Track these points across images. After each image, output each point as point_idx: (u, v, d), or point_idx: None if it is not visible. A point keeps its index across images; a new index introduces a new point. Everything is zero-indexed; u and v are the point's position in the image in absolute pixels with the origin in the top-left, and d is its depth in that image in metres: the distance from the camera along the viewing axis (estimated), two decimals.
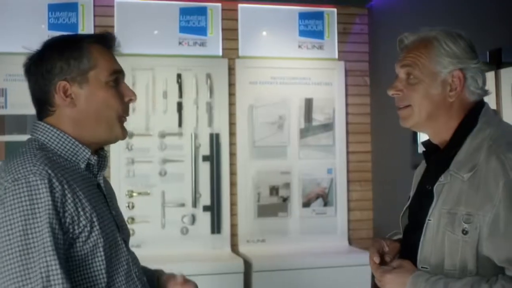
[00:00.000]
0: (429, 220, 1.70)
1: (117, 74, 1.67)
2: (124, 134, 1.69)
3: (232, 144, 4.21)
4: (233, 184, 4.20)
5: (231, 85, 4.23)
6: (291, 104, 4.31)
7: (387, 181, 4.22)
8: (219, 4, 4.26)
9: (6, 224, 1.38)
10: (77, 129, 1.60)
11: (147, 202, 4.04)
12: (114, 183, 4.00)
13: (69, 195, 1.46)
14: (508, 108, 2.92)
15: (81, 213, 1.48)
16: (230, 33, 4.28)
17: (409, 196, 1.93)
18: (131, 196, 4.02)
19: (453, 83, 1.71)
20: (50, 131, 1.58)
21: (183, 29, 4.21)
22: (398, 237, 1.96)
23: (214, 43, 4.25)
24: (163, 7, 4.18)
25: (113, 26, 4.08)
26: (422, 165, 1.93)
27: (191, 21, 4.22)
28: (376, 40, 4.40)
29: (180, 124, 4.12)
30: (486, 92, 1.78)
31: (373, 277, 1.87)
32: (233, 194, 4.20)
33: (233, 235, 4.19)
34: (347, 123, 4.42)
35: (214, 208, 4.13)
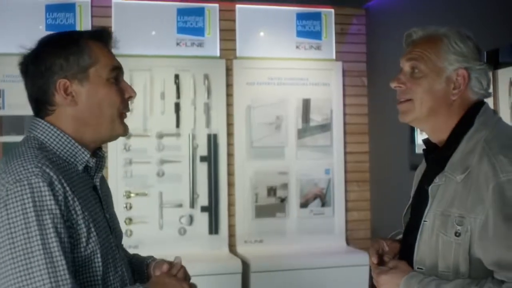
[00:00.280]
0: (424, 221, 1.70)
1: (117, 71, 1.64)
2: (125, 130, 1.66)
3: (229, 144, 4.21)
4: (230, 184, 4.20)
5: (229, 85, 4.23)
6: (289, 105, 4.31)
7: (384, 181, 4.22)
8: (217, 5, 4.26)
9: (9, 227, 1.35)
10: (78, 128, 1.57)
11: (144, 202, 4.04)
12: (112, 183, 3.99)
13: (69, 199, 1.44)
14: (505, 108, 2.93)
15: (80, 219, 1.47)
16: (227, 34, 4.29)
17: (411, 195, 1.94)
18: (128, 196, 4.01)
19: (457, 81, 1.71)
20: (50, 130, 1.54)
21: (180, 30, 4.21)
22: (399, 237, 1.96)
23: (212, 44, 4.25)
24: (161, 7, 4.18)
25: (110, 27, 4.07)
26: (423, 164, 1.93)
27: (189, 22, 4.22)
28: (373, 40, 4.41)
29: (177, 125, 4.12)
30: (489, 94, 1.78)
31: (371, 277, 1.88)
32: (230, 194, 4.20)
33: (231, 235, 4.19)
34: (344, 124, 4.43)
35: (212, 209, 4.13)
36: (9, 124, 3.87)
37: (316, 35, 4.42)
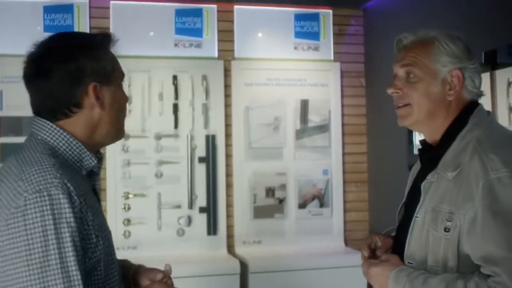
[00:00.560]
0: (416, 217, 1.74)
1: (124, 77, 1.69)
2: (124, 134, 1.71)
3: (228, 145, 4.21)
4: (229, 185, 4.20)
5: (227, 86, 4.24)
6: (287, 106, 4.32)
7: (383, 182, 4.23)
8: (215, 6, 4.26)
9: (27, 238, 1.34)
10: (90, 131, 1.58)
11: (143, 203, 4.04)
12: (110, 184, 4.01)
13: (83, 210, 1.44)
14: (503, 109, 2.93)
15: (91, 229, 1.47)
16: (225, 35, 4.29)
17: (405, 193, 1.97)
18: (127, 197, 4.01)
19: (452, 82, 1.74)
20: (60, 134, 1.53)
21: (178, 31, 4.21)
22: (393, 233, 2.00)
23: (210, 45, 4.25)
24: (159, 8, 4.18)
25: (108, 28, 4.08)
26: (418, 164, 1.96)
27: (187, 23, 4.22)
28: (371, 41, 4.41)
29: (176, 126, 4.12)
30: (481, 93, 1.82)
31: None
32: (229, 195, 4.20)
33: (229, 236, 4.19)
34: (343, 124, 4.43)
35: (210, 210, 4.13)
36: (7, 125, 3.87)
37: (314, 36, 4.43)
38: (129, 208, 4.02)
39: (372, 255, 1.90)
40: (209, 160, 4.15)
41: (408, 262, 1.75)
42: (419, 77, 1.75)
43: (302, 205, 4.32)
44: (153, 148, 4.09)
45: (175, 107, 4.13)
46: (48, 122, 1.54)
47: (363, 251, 1.91)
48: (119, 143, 3.98)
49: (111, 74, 1.59)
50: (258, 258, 3.93)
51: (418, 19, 3.71)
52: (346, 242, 4.36)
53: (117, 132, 1.65)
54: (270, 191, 4.28)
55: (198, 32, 4.23)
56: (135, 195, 4.03)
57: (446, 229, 1.65)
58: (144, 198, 4.05)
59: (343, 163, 4.42)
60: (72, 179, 1.45)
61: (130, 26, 4.12)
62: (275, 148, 4.31)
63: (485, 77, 3.06)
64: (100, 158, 1.67)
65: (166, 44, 4.19)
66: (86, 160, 1.57)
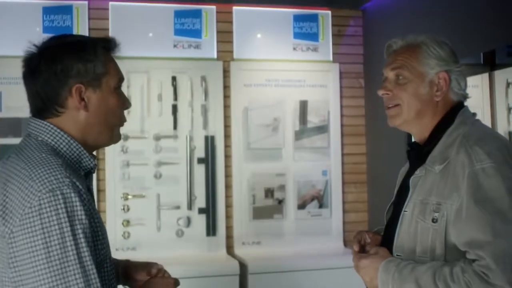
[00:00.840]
0: (405, 211, 1.83)
1: (122, 82, 1.70)
2: (119, 139, 1.73)
3: (227, 146, 4.21)
4: (228, 186, 4.21)
5: (226, 87, 4.24)
6: (286, 106, 4.32)
7: (382, 182, 4.22)
8: (214, 7, 4.26)
9: (45, 236, 1.37)
10: (83, 133, 1.60)
11: (142, 204, 4.04)
12: (109, 185, 4.02)
13: (90, 208, 1.49)
14: (502, 109, 2.94)
15: (98, 226, 1.52)
16: (224, 36, 4.29)
17: (393, 193, 2.06)
18: (126, 198, 4.01)
19: (439, 83, 1.85)
20: (60, 135, 1.56)
21: (177, 32, 4.21)
22: (382, 233, 2.06)
23: (209, 46, 4.25)
24: (158, 9, 4.18)
25: (107, 29, 4.08)
26: (406, 166, 2.05)
27: (186, 24, 4.22)
28: (370, 42, 4.42)
29: (175, 127, 4.12)
30: (467, 95, 1.93)
31: None
32: (228, 196, 4.20)
33: (229, 237, 4.19)
34: (342, 125, 4.43)
35: (209, 211, 4.13)
36: (6, 126, 3.87)
37: (313, 36, 4.43)
38: (128, 209, 4.02)
39: (362, 251, 1.99)
40: (208, 161, 4.15)
41: (397, 254, 1.82)
42: (408, 79, 1.86)
43: (301, 206, 4.32)
44: (152, 149, 4.09)
45: (174, 108, 4.13)
46: (46, 123, 1.57)
47: (353, 246, 2.00)
48: (118, 144, 3.98)
49: (101, 77, 1.60)
50: (257, 259, 3.93)
51: (417, 19, 3.72)
52: (345, 243, 4.36)
53: (110, 136, 1.67)
54: (269, 192, 4.28)
55: (197, 33, 4.23)
56: (134, 196, 4.03)
57: (434, 220, 1.73)
58: (143, 199, 4.05)
59: (342, 164, 4.42)
60: (77, 179, 1.49)
61: (129, 27, 4.12)
62: (274, 149, 4.31)
63: (484, 77, 3.07)
64: (94, 158, 1.69)
65: (165, 45, 4.19)
66: (85, 161, 1.60)
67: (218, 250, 4.12)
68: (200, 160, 4.14)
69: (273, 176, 4.29)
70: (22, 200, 1.40)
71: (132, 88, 4.04)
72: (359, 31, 4.51)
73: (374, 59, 4.31)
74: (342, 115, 4.44)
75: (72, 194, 1.41)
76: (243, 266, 3.83)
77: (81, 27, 4.04)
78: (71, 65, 1.56)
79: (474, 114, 1.91)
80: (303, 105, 4.34)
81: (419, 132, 1.91)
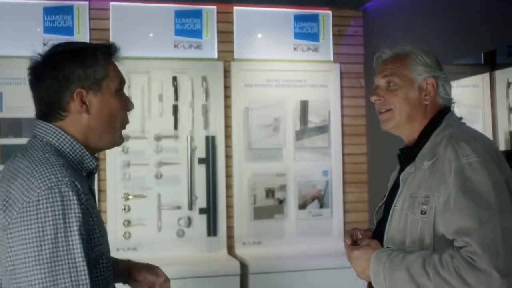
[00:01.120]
0: (395, 206, 1.95)
1: (123, 85, 1.77)
2: (122, 141, 1.80)
3: (227, 146, 4.22)
4: (229, 186, 4.21)
5: (227, 87, 4.24)
6: (287, 106, 4.32)
7: (382, 182, 4.21)
8: (214, 7, 4.27)
9: (39, 230, 1.44)
10: (85, 135, 1.67)
11: (143, 205, 4.04)
12: (110, 186, 4.02)
13: (88, 207, 1.55)
14: (503, 109, 2.94)
15: (95, 224, 1.58)
16: (225, 36, 4.29)
17: (385, 195, 2.15)
18: (127, 199, 4.01)
19: (427, 88, 1.98)
20: (64, 137, 1.64)
21: (178, 32, 4.21)
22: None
23: (210, 46, 4.25)
24: (159, 10, 4.18)
25: (108, 29, 4.08)
26: (397, 169, 2.15)
27: (187, 24, 4.22)
28: (371, 42, 4.42)
29: (175, 127, 4.12)
30: (452, 99, 2.05)
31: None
32: (229, 196, 4.20)
33: (229, 237, 4.19)
34: (342, 125, 4.43)
35: (210, 211, 4.13)
36: (7, 126, 3.87)
37: (314, 37, 4.43)
38: (129, 209, 4.02)
39: (354, 245, 2.07)
40: (209, 161, 4.15)
41: (387, 246, 1.92)
42: (399, 85, 1.99)
43: (302, 206, 4.32)
44: (153, 149, 4.09)
45: (175, 108, 4.13)
46: (49, 124, 1.65)
47: (345, 239, 2.11)
48: None
49: (101, 81, 1.67)
50: (258, 259, 3.93)
51: (418, 19, 3.72)
52: None
53: (112, 138, 1.74)
54: (270, 192, 4.28)
55: (197, 33, 4.24)
56: (135, 196, 4.04)
57: (423, 212, 1.84)
58: (144, 199, 4.06)
59: (343, 163, 4.43)
60: (78, 179, 1.56)
61: (129, 27, 4.12)
62: (275, 149, 4.31)
63: (485, 77, 3.07)
64: (96, 159, 1.75)
65: (166, 45, 4.19)
66: (87, 162, 1.67)
67: (218, 250, 4.12)
68: (200, 160, 4.15)
69: (274, 176, 4.29)
70: (22, 195, 1.47)
71: (132, 88, 4.04)
72: (360, 31, 4.51)
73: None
74: (342, 115, 4.44)
75: (70, 193, 1.48)
76: (244, 266, 3.84)
77: (81, 28, 4.05)
78: (72, 71, 1.63)
79: (461, 118, 2.03)
80: (304, 105, 4.35)
81: (409, 135, 2.03)
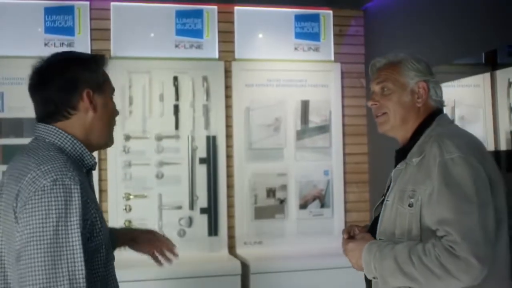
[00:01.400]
0: (387, 201, 2.08)
1: (114, 92, 1.97)
2: (113, 142, 1.98)
3: (228, 146, 4.22)
4: (230, 186, 4.21)
5: (228, 87, 4.24)
6: (288, 106, 4.32)
7: (383, 182, 4.21)
8: (215, 7, 4.27)
9: (42, 217, 1.58)
10: (87, 133, 1.83)
11: (144, 204, 4.04)
12: (111, 186, 4.02)
13: (88, 200, 1.69)
14: (504, 109, 2.94)
15: (95, 215, 1.72)
16: (226, 36, 4.29)
17: (384, 193, 2.24)
18: (128, 199, 4.02)
19: (419, 92, 2.13)
20: (65, 136, 1.79)
21: (179, 32, 4.21)
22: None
23: (211, 46, 4.25)
24: (159, 10, 4.19)
25: (109, 29, 4.09)
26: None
27: (187, 24, 4.22)
28: (371, 41, 4.42)
29: (176, 127, 4.13)
30: (443, 102, 2.19)
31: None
32: (230, 196, 4.20)
33: (230, 237, 4.19)
34: (343, 125, 4.43)
35: (211, 211, 4.14)
36: (8, 126, 3.87)
37: (315, 36, 4.43)
38: (130, 209, 4.02)
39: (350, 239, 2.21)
40: (210, 161, 4.15)
41: (379, 239, 2.06)
42: (392, 89, 2.14)
43: (303, 206, 4.32)
44: (154, 149, 4.09)
45: (176, 108, 4.13)
46: (52, 126, 1.80)
47: (343, 234, 2.23)
48: (120, 144, 3.99)
49: (102, 85, 1.87)
50: (259, 259, 3.93)
51: (418, 19, 3.72)
52: None
53: (108, 138, 1.92)
54: (271, 192, 4.28)
55: (198, 33, 4.24)
56: (136, 196, 4.04)
57: (410, 205, 1.97)
58: (145, 199, 4.06)
59: (344, 163, 4.43)
60: (79, 174, 1.70)
61: (130, 27, 4.12)
62: (276, 149, 4.31)
63: (486, 77, 3.07)
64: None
65: (167, 45, 4.19)
66: (87, 159, 1.83)
67: (220, 250, 4.12)
68: (201, 160, 4.15)
69: (275, 176, 4.29)
70: (29, 186, 1.62)
71: (133, 88, 4.04)
72: (360, 31, 4.51)
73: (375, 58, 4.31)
74: (343, 115, 4.44)
75: (72, 186, 1.62)
76: (245, 266, 3.84)
77: (82, 28, 4.05)
78: (80, 73, 1.81)
79: (453, 120, 2.21)
80: (305, 105, 4.35)
81: (403, 136, 2.17)
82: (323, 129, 4.38)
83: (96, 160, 1.90)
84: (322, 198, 4.36)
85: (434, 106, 2.15)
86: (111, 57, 4.01)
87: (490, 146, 3.03)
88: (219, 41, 4.27)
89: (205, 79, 4.18)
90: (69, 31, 4.03)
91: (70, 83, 1.80)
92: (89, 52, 4.00)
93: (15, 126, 3.86)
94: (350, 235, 2.21)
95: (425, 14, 3.65)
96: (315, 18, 4.44)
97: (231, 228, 4.20)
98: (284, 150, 4.33)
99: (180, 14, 4.22)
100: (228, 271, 3.78)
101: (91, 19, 4.08)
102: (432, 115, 2.13)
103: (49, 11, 4.02)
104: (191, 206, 4.10)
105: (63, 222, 1.58)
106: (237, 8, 4.31)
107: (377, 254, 1.96)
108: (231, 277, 3.75)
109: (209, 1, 4.22)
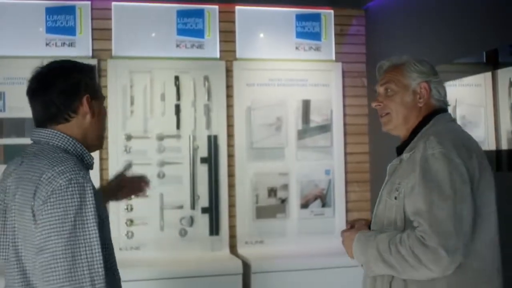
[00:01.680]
0: (381, 194, 2.20)
1: (104, 99, 2.09)
2: (102, 146, 2.11)
3: (230, 146, 4.22)
4: (231, 185, 4.21)
5: (229, 87, 4.24)
6: (289, 106, 4.32)
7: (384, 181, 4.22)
8: (216, 7, 4.27)
9: (62, 214, 1.71)
10: (85, 135, 1.95)
11: (145, 204, 4.03)
12: None
13: (97, 196, 1.82)
14: (505, 108, 2.94)
15: (101, 209, 1.87)
16: (227, 35, 4.29)
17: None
18: (129, 198, 4.01)
19: (421, 92, 2.21)
20: (66, 139, 1.91)
21: (180, 32, 4.21)
22: None
23: (212, 46, 4.26)
24: (161, 9, 4.19)
25: (110, 29, 4.09)
26: None
27: (189, 24, 4.23)
28: (373, 41, 4.42)
29: (178, 126, 4.13)
30: (447, 102, 2.27)
31: None
32: (231, 195, 4.21)
33: (232, 236, 4.19)
34: (344, 124, 4.43)
35: (212, 210, 4.14)
36: (10, 126, 3.87)
37: (316, 36, 4.43)
38: (131, 209, 4.02)
39: None
40: (211, 160, 4.15)
41: (373, 229, 2.19)
42: (395, 90, 2.23)
43: (304, 205, 4.32)
44: (155, 149, 4.10)
45: (177, 108, 4.13)
46: (53, 130, 1.90)
47: (346, 225, 2.40)
48: (121, 144, 4.00)
49: (97, 92, 2.01)
50: (260, 258, 3.93)
51: (419, 19, 3.72)
52: None
53: (101, 140, 2.06)
54: (272, 191, 4.28)
55: (199, 33, 4.24)
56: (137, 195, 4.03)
57: (396, 197, 2.08)
58: (147, 198, 4.03)
59: (345, 163, 4.43)
60: (86, 173, 1.85)
61: (132, 27, 4.12)
62: (277, 148, 4.31)
63: (487, 76, 3.07)
64: None
65: (168, 45, 4.20)
66: (87, 158, 1.95)
67: (221, 250, 4.12)
68: (203, 160, 4.15)
69: (276, 175, 4.30)
70: (47, 186, 1.74)
71: (135, 88, 4.04)
72: (362, 30, 4.51)
73: (376, 58, 4.29)
74: (344, 114, 4.44)
75: (85, 184, 1.76)
76: (246, 266, 3.84)
77: (84, 28, 4.05)
78: (80, 79, 1.93)
79: (454, 119, 2.26)
80: (306, 105, 4.35)
81: (404, 134, 2.25)
82: (324, 128, 4.38)
83: (97, 159, 1.96)
84: (323, 197, 4.36)
85: (436, 106, 2.22)
86: (112, 57, 4.02)
87: (491, 146, 3.03)
88: (220, 41, 4.27)
89: (206, 78, 4.18)
90: (71, 31, 4.03)
91: (72, 88, 1.91)
92: (90, 52, 4.03)
93: (16, 126, 3.86)
94: (351, 226, 2.33)
95: (426, 13, 3.65)
96: (316, 17, 4.44)
97: (232, 227, 4.20)
98: (285, 150, 4.33)
99: (181, 14, 4.22)
100: (230, 270, 3.78)
101: (92, 19, 4.09)
102: (432, 114, 2.20)
103: (51, 11, 4.02)
104: (193, 206, 4.11)
105: (79, 217, 1.72)
106: (238, 8, 4.32)
107: (364, 242, 2.10)
108: (232, 277, 3.75)
109: (210, 0, 4.22)
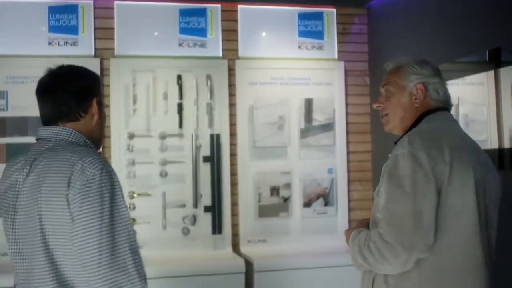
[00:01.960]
0: (376, 195, 2.23)
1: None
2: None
3: (232, 144, 4.22)
4: (233, 184, 4.21)
5: (231, 86, 4.24)
6: (291, 105, 4.32)
7: None
8: (219, 5, 4.27)
9: (99, 200, 1.86)
10: (91, 133, 2.09)
11: (148, 203, 4.05)
12: None
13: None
14: (507, 107, 2.94)
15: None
16: (230, 34, 4.30)
17: None
18: (132, 197, 4.02)
19: (417, 93, 2.26)
20: (78, 135, 2.04)
21: (183, 31, 4.22)
22: None
23: (214, 44, 4.26)
24: (163, 8, 4.19)
25: (113, 28, 4.09)
26: None
27: (191, 23, 4.23)
28: (375, 40, 4.41)
29: (180, 125, 4.13)
30: (449, 100, 2.31)
31: None
32: (234, 194, 4.21)
33: (234, 235, 4.20)
34: (347, 123, 4.43)
35: (215, 209, 4.14)
36: (13, 125, 3.88)
37: (318, 35, 4.43)
38: (134, 208, 4.03)
39: None
40: (214, 159, 4.15)
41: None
42: (392, 92, 2.31)
43: (307, 204, 4.32)
44: (157, 148, 4.10)
45: (180, 107, 4.14)
46: (66, 128, 2.02)
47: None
48: (124, 143, 4.00)
49: (102, 96, 2.17)
50: (263, 257, 3.93)
51: (422, 17, 3.72)
52: None
53: (102, 139, 2.20)
54: (274, 190, 4.28)
55: (202, 32, 4.24)
56: (140, 194, 4.04)
57: (376, 195, 2.18)
58: (149, 197, 4.06)
59: (348, 161, 4.43)
60: None
61: (134, 26, 4.13)
62: (280, 147, 4.31)
63: (490, 75, 3.06)
64: None
65: (171, 44, 4.20)
66: None
67: (223, 248, 4.13)
68: (205, 159, 4.15)
69: (279, 174, 4.30)
70: (81, 176, 1.88)
71: (137, 87, 4.05)
72: (364, 29, 4.51)
73: (379, 57, 4.31)
74: (347, 113, 4.44)
75: (112, 172, 1.94)
76: (248, 264, 3.84)
77: (86, 26, 4.06)
78: (91, 83, 2.11)
79: (448, 118, 2.28)
80: (308, 103, 4.35)
81: (402, 134, 2.28)
82: (327, 127, 4.38)
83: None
84: (326, 196, 4.36)
85: (434, 106, 2.27)
86: (115, 55, 4.03)
87: (493, 144, 3.02)
88: (222, 40, 4.27)
89: (208, 77, 4.18)
90: (73, 30, 4.03)
91: (86, 89, 2.07)
92: (93, 51, 4.03)
93: (19, 125, 3.86)
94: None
95: (429, 12, 3.65)
96: (318, 16, 4.44)
97: (235, 226, 4.20)
98: (288, 148, 4.33)
99: (183, 13, 4.22)
100: (232, 269, 3.79)
101: (95, 18, 4.09)
102: (426, 113, 2.25)
103: (53, 10, 4.03)
104: (195, 205, 4.11)
105: (114, 202, 1.89)
106: (240, 7, 4.32)
107: (352, 239, 2.20)
108: (235, 275, 3.76)
109: None
